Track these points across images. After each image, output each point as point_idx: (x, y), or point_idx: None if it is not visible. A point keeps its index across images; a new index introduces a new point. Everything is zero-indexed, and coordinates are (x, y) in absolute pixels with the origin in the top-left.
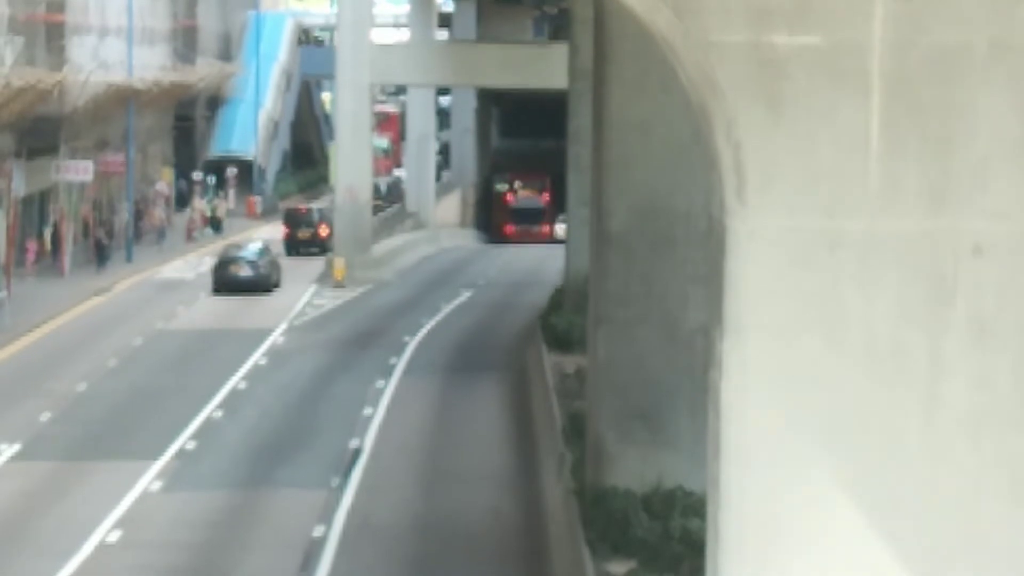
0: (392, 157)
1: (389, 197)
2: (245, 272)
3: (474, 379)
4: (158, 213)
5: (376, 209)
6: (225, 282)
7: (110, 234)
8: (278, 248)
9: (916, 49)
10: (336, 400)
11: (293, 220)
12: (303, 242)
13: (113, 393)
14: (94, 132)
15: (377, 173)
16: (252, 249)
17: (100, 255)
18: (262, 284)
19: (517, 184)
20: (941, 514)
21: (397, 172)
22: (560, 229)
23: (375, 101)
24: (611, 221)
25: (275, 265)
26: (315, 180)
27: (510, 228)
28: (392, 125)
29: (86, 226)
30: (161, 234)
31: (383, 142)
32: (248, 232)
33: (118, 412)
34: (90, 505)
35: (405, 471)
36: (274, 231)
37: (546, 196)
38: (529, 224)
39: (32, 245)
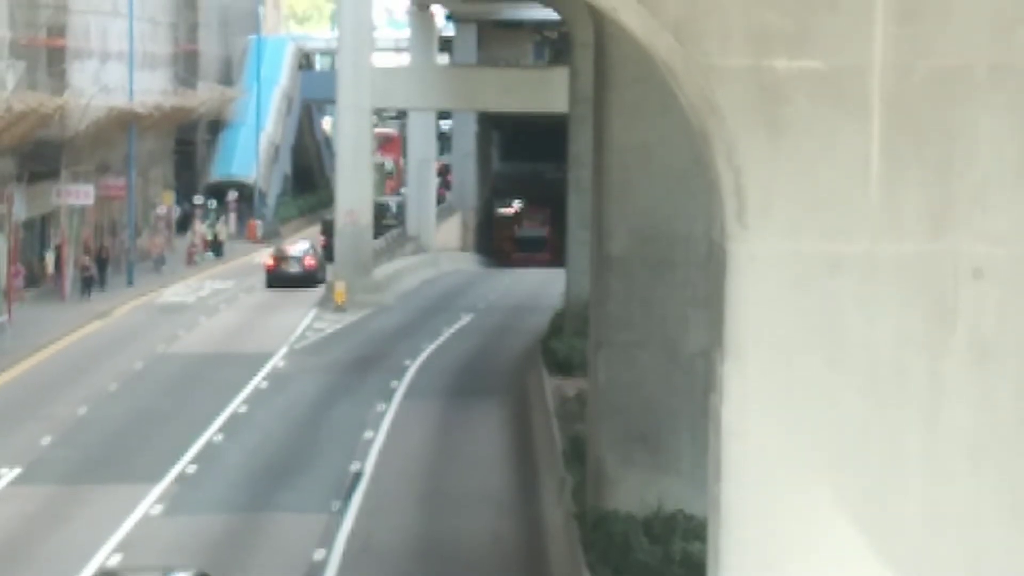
0: (396, 178)
1: (399, 216)
2: (294, 269)
3: (475, 403)
4: (157, 240)
5: (387, 228)
6: (277, 278)
7: (106, 261)
8: None
9: (916, 72)
10: (337, 423)
11: (331, 229)
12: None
13: (114, 417)
14: (95, 156)
15: (385, 194)
16: (300, 248)
17: (85, 284)
18: (309, 279)
19: (521, 212)
20: (942, 536)
21: (405, 191)
22: None
23: (377, 125)
24: (612, 244)
25: (320, 263)
26: (316, 204)
27: (515, 256)
28: (395, 147)
29: (87, 250)
30: (160, 260)
31: (388, 163)
32: (249, 256)
33: (119, 436)
34: (91, 529)
35: (406, 495)
36: None
37: (547, 228)
38: (532, 251)
39: (20, 270)
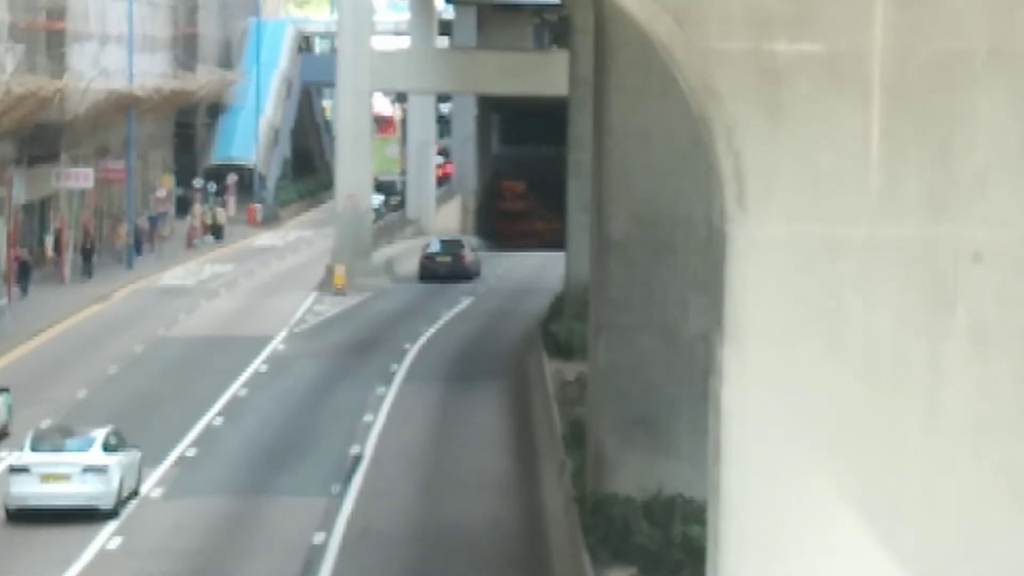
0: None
1: None
2: None
3: (474, 386)
4: (120, 231)
5: (404, 203)
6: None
7: (90, 251)
8: None
9: (916, 56)
10: (337, 407)
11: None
12: (395, 207)
13: (113, 400)
14: (95, 139)
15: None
16: None
17: (24, 278)
18: None
19: (504, 189)
20: (941, 520)
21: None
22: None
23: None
24: (612, 228)
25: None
26: (315, 188)
27: (499, 225)
28: (390, 128)
29: (86, 234)
30: (130, 252)
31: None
32: (249, 240)
33: (118, 419)
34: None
35: (405, 478)
36: (275, 239)
37: (523, 203)
38: (512, 223)
39: (12, 253)
